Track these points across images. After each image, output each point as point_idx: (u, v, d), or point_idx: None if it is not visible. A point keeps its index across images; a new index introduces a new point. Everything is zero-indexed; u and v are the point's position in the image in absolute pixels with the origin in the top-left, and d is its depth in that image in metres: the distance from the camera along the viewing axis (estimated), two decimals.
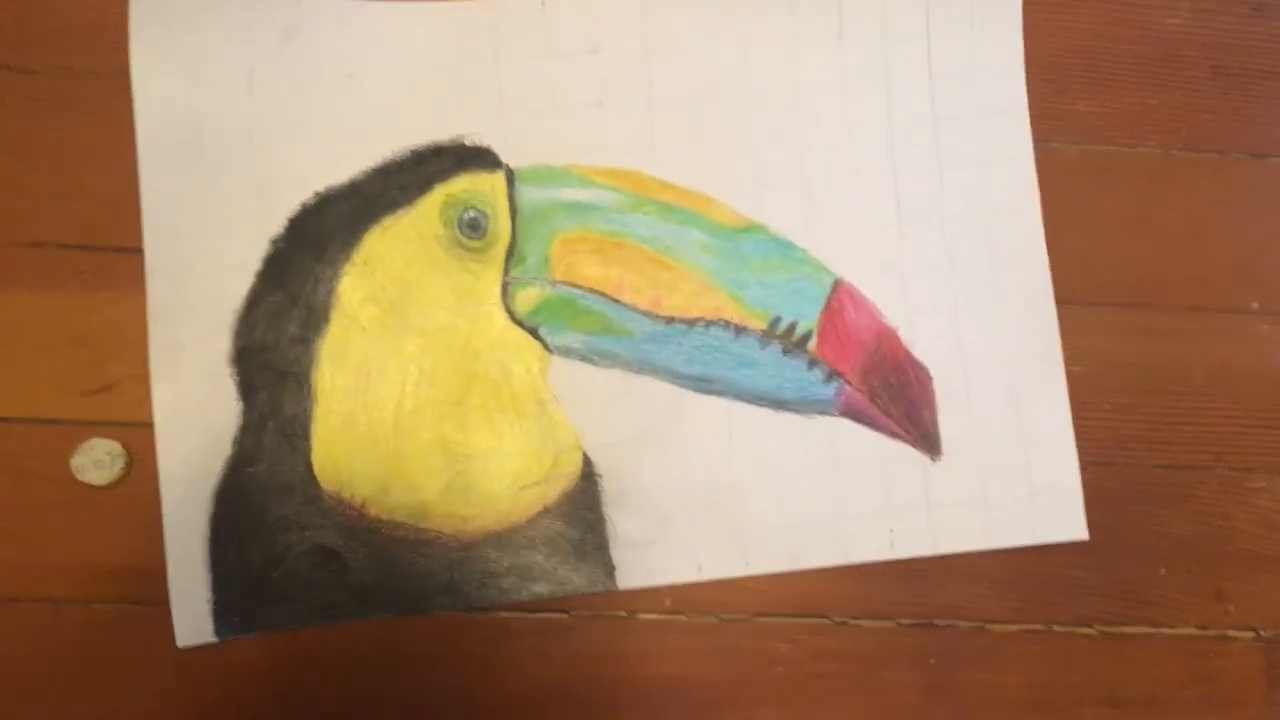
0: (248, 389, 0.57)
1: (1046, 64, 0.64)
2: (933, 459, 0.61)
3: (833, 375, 0.60)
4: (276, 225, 0.58)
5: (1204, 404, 0.63)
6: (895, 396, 0.61)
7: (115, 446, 0.56)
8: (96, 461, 0.56)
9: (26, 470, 0.57)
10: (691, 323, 0.60)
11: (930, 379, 0.62)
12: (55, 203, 0.58)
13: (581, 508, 0.59)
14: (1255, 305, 0.63)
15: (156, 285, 0.57)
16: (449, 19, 0.61)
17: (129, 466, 0.56)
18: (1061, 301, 0.63)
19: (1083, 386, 0.63)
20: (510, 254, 0.59)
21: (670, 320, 0.60)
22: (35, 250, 0.57)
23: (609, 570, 0.59)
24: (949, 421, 0.62)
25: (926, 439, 0.61)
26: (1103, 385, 0.63)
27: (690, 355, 0.60)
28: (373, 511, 0.57)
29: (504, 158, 0.60)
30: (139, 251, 0.57)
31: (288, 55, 0.59)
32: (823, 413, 0.61)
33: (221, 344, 0.57)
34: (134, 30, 0.58)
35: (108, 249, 0.58)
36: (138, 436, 0.57)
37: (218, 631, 0.57)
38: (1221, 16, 0.66)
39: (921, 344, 0.62)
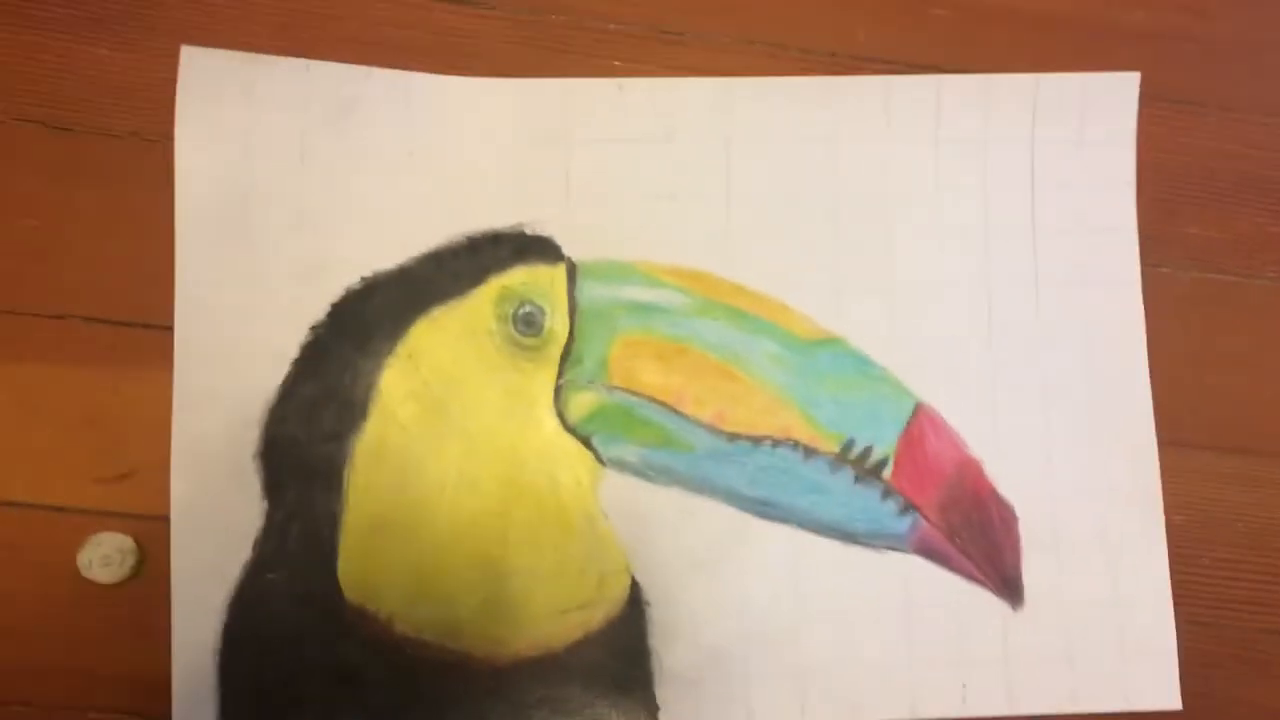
0: (274, 487, 0.55)
1: (1160, 182, 0.62)
2: (1014, 608, 0.58)
3: (908, 508, 0.57)
4: (318, 311, 0.56)
5: None
6: (975, 536, 0.58)
7: (127, 542, 0.54)
8: (105, 558, 0.54)
9: (32, 562, 0.55)
10: (757, 441, 0.57)
11: (1015, 519, 0.59)
12: (83, 272, 0.56)
13: (626, 638, 0.57)
14: None
15: (185, 368, 0.56)
16: (518, 97, 0.59)
17: (140, 565, 0.55)
18: (1165, 442, 0.60)
19: (1183, 538, 0.60)
20: (566, 354, 0.57)
21: (734, 437, 0.57)
22: (58, 322, 0.56)
23: (651, 710, 0.56)
24: (1034, 567, 0.59)
25: (1008, 585, 0.58)
26: (1206, 538, 0.60)
27: (754, 476, 0.57)
28: (400, 628, 0.55)
29: (566, 249, 0.58)
30: (169, 329, 0.55)
31: (344, 130, 0.57)
32: (895, 549, 0.58)
33: (249, 436, 0.55)
34: (181, 93, 0.57)
35: (136, 324, 0.56)
36: (152, 531, 0.55)
37: None
38: None
39: (1007, 480, 0.59)
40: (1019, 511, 0.59)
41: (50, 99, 0.57)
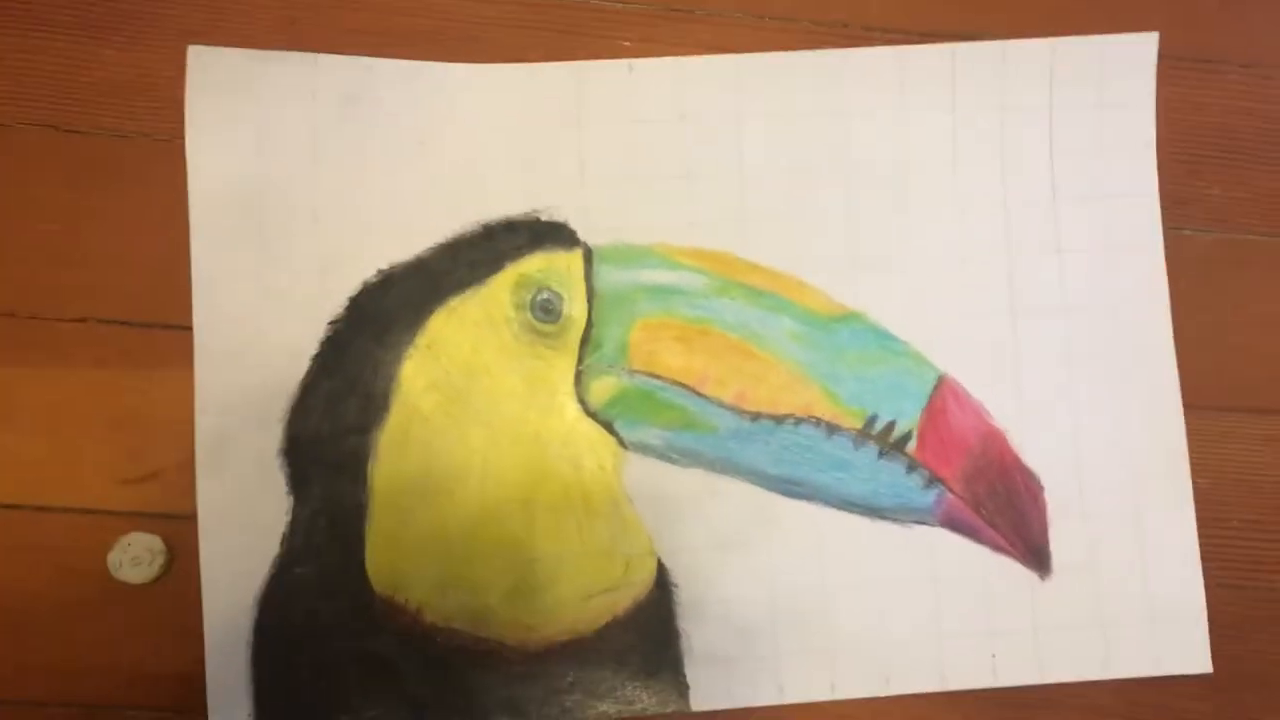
0: (299, 482, 0.56)
1: (1180, 144, 0.62)
2: (1042, 577, 0.59)
3: (933, 481, 0.58)
4: (336, 305, 0.57)
5: None
6: (1002, 506, 0.59)
7: (155, 542, 0.55)
8: (134, 558, 0.55)
9: (63, 565, 0.56)
10: (780, 419, 0.58)
11: (1041, 488, 0.59)
12: (102, 274, 0.57)
13: (654, 619, 0.58)
14: None
15: (205, 369, 0.56)
16: (528, 82, 0.59)
17: (169, 564, 0.56)
18: (1189, 406, 0.60)
19: (1210, 501, 0.60)
20: (586, 340, 0.58)
21: (757, 416, 0.58)
22: (79, 326, 0.57)
23: (682, 689, 0.57)
24: (1061, 536, 0.59)
25: (1035, 554, 0.59)
26: (1233, 500, 0.61)
27: (778, 455, 0.58)
28: (429, 617, 0.56)
29: (582, 234, 0.58)
30: (189, 329, 0.56)
31: (353, 122, 0.58)
32: (921, 522, 0.59)
33: (273, 434, 0.56)
34: (190, 93, 0.57)
35: (156, 325, 0.57)
36: (180, 530, 0.56)
37: None
38: None
39: (1032, 449, 0.59)
40: (1044, 481, 0.59)
41: (60, 101, 0.58)
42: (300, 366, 0.56)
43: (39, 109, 0.58)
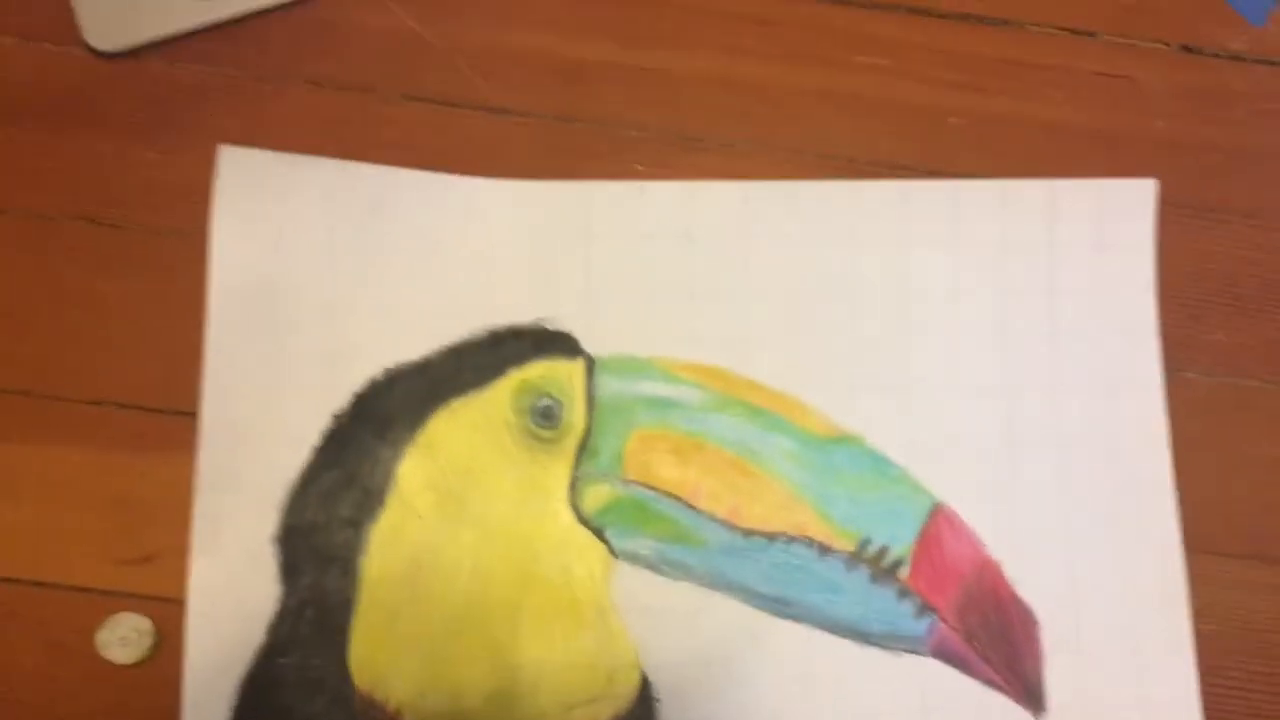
0: (290, 571, 0.57)
1: (1183, 287, 0.63)
2: (1035, 715, 0.58)
3: (925, 609, 0.58)
4: (341, 399, 0.59)
5: None
6: (995, 640, 0.58)
7: (145, 623, 0.56)
8: (123, 638, 0.56)
9: (51, 641, 0.57)
10: (772, 537, 0.58)
11: (1036, 623, 0.59)
12: (122, 361, 0.59)
13: None
14: None
15: (209, 451, 0.58)
16: (543, 198, 0.62)
17: (156, 646, 0.56)
18: (1193, 550, 0.60)
19: (1213, 649, 0.59)
20: (583, 447, 0.59)
21: (749, 533, 0.58)
22: (95, 408, 0.59)
23: None
24: (1056, 674, 0.59)
25: (1029, 692, 0.58)
26: (1236, 649, 0.60)
27: (769, 573, 0.58)
28: (407, 718, 0.56)
29: (585, 345, 0.60)
30: (195, 415, 0.58)
31: (372, 227, 0.61)
32: (912, 651, 0.58)
33: (268, 520, 0.57)
34: (218, 191, 0.61)
35: (166, 411, 0.59)
36: (170, 614, 0.56)
37: None
38: None
39: (1028, 583, 0.59)
40: (1040, 616, 0.59)
41: (101, 198, 0.61)
42: (301, 456, 0.58)
43: (81, 204, 0.61)
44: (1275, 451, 0.62)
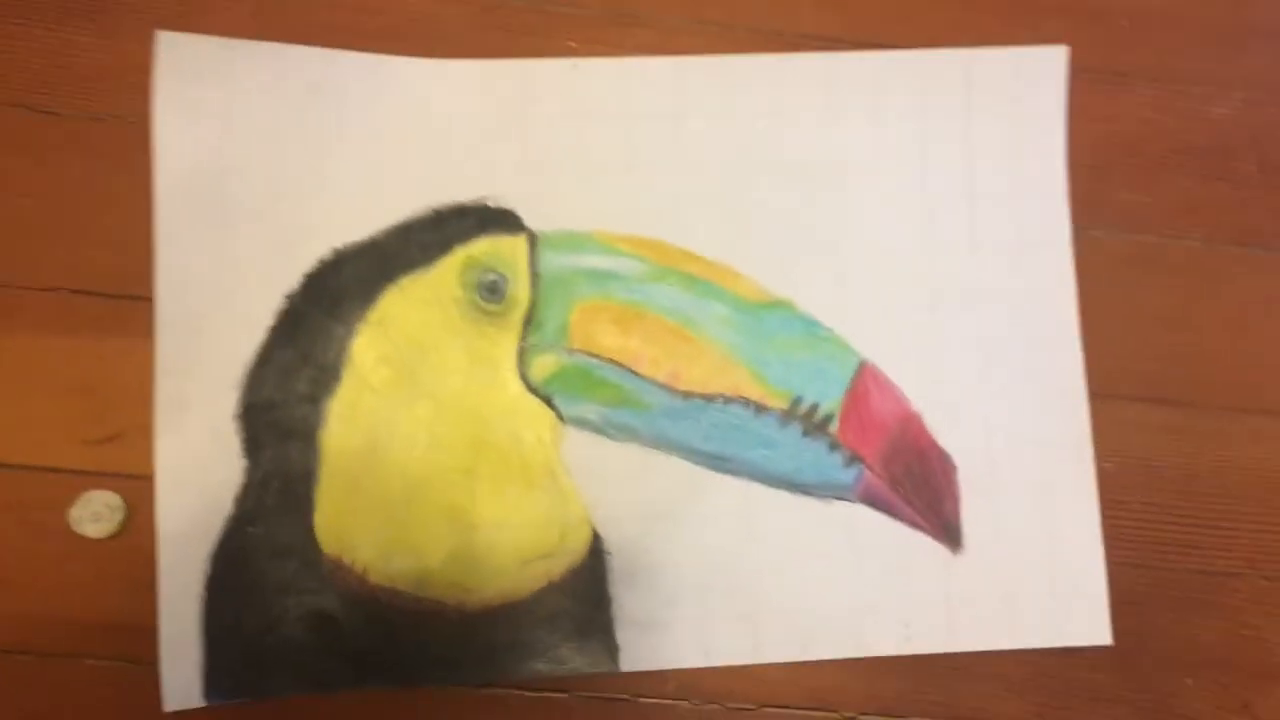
0: (253, 447, 0.60)
1: (1090, 150, 0.66)
2: (954, 552, 0.63)
3: (854, 460, 0.62)
4: (292, 281, 0.61)
5: (1240, 508, 0.65)
6: (917, 485, 0.63)
7: (114, 499, 0.59)
8: (94, 514, 0.58)
9: (25, 520, 0.59)
10: (710, 399, 0.62)
11: (954, 469, 0.63)
12: (72, 247, 0.60)
13: (587, 585, 0.61)
14: None
15: (166, 337, 0.60)
16: (479, 77, 0.63)
17: (127, 520, 0.59)
18: (1096, 395, 0.65)
19: (1114, 484, 0.64)
20: (528, 320, 0.62)
21: (688, 395, 0.62)
22: (48, 295, 0.60)
23: (612, 651, 0.61)
24: (972, 514, 0.63)
25: (948, 531, 0.63)
26: (1135, 484, 0.65)
27: (708, 432, 0.62)
28: (373, 579, 0.59)
29: (527, 221, 0.62)
30: (151, 300, 0.60)
31: (314, 110, 0.62)
32: (841, 498, 0.63)
33: (229, 399, 0.60)
34: (158, 78, 0.61)
35: (122, 296, 0.60)
36: (138, 489, 0.59)
37: (207, 695, 0.58)
38: (1270, 108, 0.68)
39: (947, 432, 0.64)
40: (958, 461, 0.64)
41: (37, 85, 0.61)
42: (257, 337, 0.60)
43: (17, 92, 0.61)
44: (1173, 302, 0.66)
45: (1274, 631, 0.63)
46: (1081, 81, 0.66)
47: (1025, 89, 0.65)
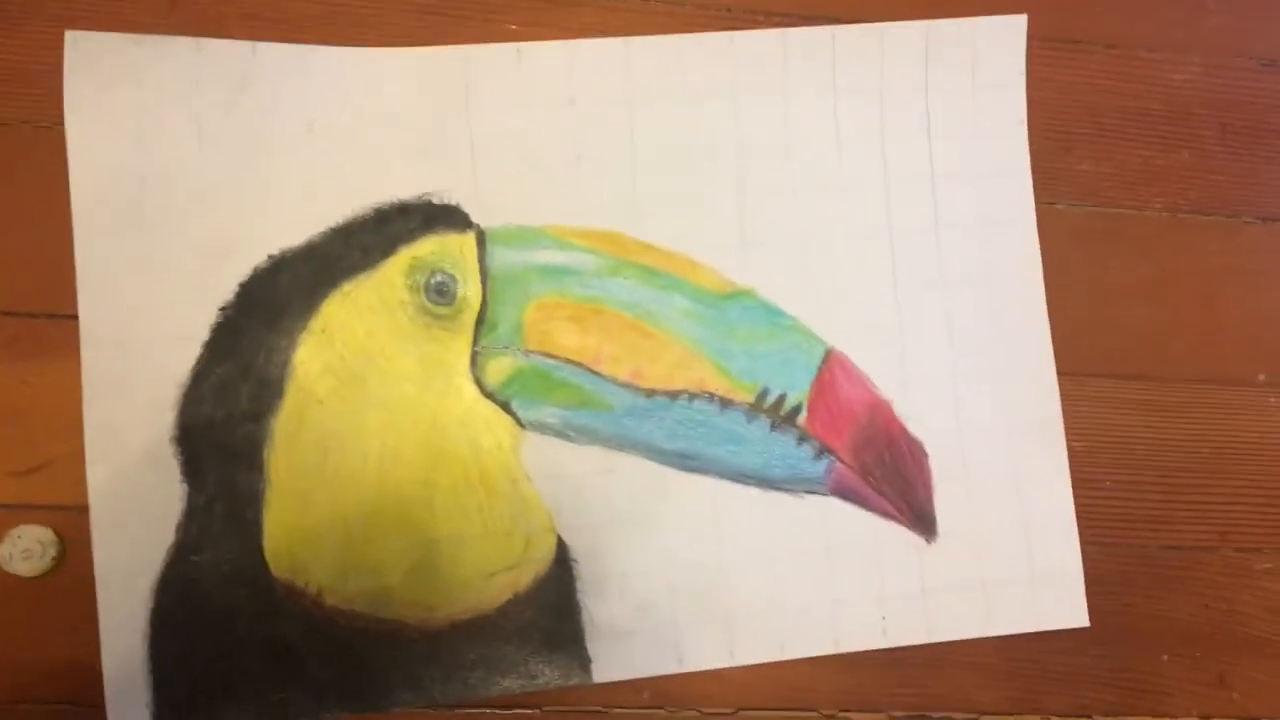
0: (193, 470, 0.56)
1: (1050, 121, 0.65)
2: (928, 541, 0.62)
3: (823, 451, 0.60)
4: (226, 291, 0.57)
5: (1210, 481, 0.64)
6: (889, 474, 0.61)
7: (46, 534, 0.55)
8: (25, 551, 0.55)
9: None
10: (674, 395, 0.60)
11: (925, 455, 0.62)
12: None
13: (555, 595, 0.59)
14: (1262, 377, 0.65)
15: (92, 358, 0.56)
16: (417, 66, 0.60)
17: (61, 555, 0.55)
18: (1063, 372, 0.64)
19: (1085, 462, 0.63)
20: (481, 321, 0.59)
21: (651, 393, 0.59)
22: None
23: (584, 662, 0.59)
24: (945, 501, 0.62)
25: (921, 520, 0.62)
26: (1105, 461, 0.64)
27: (673, 430, 0.60)
28: (330, 601, 0.57)
29: (474, 217, 0.59)
30: (75, 318, 0.56)
31: (240, 107, 0.58)
32: (813, 491, 0.61)
33: (164, 421, 0.56)
34: (69, 79, 0.57)
35: (40, 315, 0.56)
36: (72, 521, 0.55)
37: None
38: (1231, 73, 0.67)
39: (917, 418, 0.62)
40: (929, 447, 0.62)
41: None
42: (191, 353, 0.57)
43: None
44: (1138, 274, 0.65)
45: (1246, 604, 0.63)
46: (1037, 50, 0.65)
47: (985, 60, 0.64)
